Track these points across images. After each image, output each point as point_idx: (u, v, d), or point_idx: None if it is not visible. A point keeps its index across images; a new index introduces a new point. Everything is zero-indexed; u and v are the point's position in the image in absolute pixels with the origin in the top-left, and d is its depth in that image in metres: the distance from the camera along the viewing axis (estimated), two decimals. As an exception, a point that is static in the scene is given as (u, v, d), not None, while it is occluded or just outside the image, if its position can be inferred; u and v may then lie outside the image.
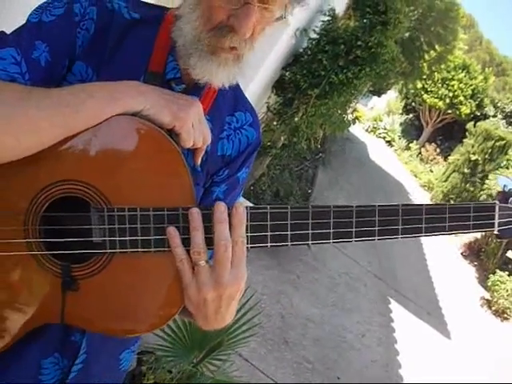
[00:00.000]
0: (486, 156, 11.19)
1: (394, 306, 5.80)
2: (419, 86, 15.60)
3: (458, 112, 16.59)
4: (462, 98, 16.46)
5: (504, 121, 17.24)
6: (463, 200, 10.90)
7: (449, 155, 14.66)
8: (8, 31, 0.79)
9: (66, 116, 0.71)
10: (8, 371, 0.82)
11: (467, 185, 11.36)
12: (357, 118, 6.43)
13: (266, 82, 4.97)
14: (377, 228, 0.77)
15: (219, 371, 2.32)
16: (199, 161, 0.84)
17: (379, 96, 14.79)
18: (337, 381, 3.89)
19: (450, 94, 16.52)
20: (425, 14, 9.35)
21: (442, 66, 12.55)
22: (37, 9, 0.80)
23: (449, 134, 17.62)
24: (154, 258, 0.75)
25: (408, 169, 15.21)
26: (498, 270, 8.15)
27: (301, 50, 5.33)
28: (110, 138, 0.74)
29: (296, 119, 5.28)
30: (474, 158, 11.33)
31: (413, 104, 18.33)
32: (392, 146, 17.58)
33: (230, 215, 0.73)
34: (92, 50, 0.81)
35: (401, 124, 18.89)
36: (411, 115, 19.02)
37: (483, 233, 9.74)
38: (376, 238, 0.77)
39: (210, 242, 0.73)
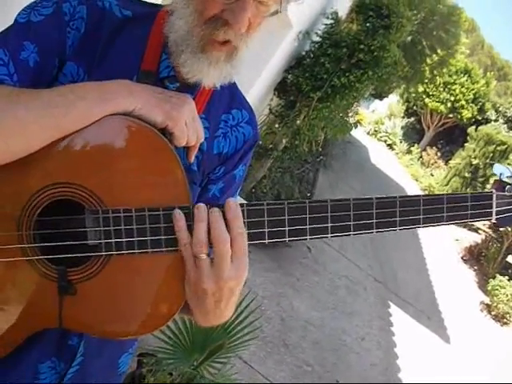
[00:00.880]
0: (487, 160, 11.20)
1: (393, 309, 5.80)
2: (421, 89, 15.58)
3: (459, 116, 16.60)
4: (463, 102, 16.47)
5: (505, 125, 17.21)
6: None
7: (450, 159, 14.69)
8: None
9: (55, 117, 0.70)
10: (5, 376, 0.81)
11: (468, 189, 11.36)
12: (358, 121, 6.44)
13: (268, 84, 4.98)
14: (375, 220, 0.76)
15: (219, 374, 2.32)
16: (192, 158, 0.83)
17: (381, 99, 14.82)
18: (336, 384, 3.89)
19: (452, 98, 16.53)
20: (427, 17, 9.36)
21: (444, 70, 12.53)
22: (25, 9, 0.79)
23: (450, 138, 17.61)
24: (151, 258, 0.74)
25: (409, 172, 15.19)
26: (498, 275, 8.13)
27: (303, 53, 5.35)
28: (102, 139, 0.73)
29: (298, 122, 5.30)
30: (475, 162, 11.35)
31: (414, 108, 18.33)
32: (393, 149, 17.58)
33: (223, 212, 0.71)
34: (83, 49, 0.79)
35: (402, 127, 18.88)
36: (413, 119, 19.02)
37: (484, 237, 9.75)
38: (374, 230, 0.77)
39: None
